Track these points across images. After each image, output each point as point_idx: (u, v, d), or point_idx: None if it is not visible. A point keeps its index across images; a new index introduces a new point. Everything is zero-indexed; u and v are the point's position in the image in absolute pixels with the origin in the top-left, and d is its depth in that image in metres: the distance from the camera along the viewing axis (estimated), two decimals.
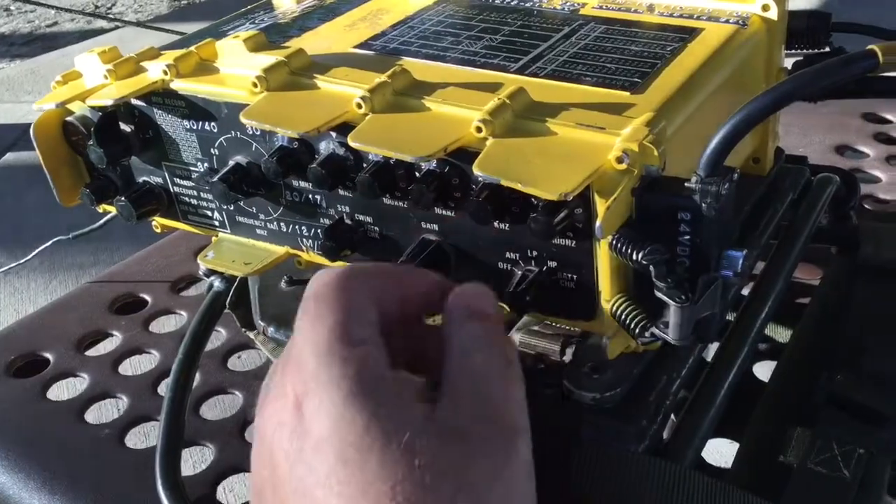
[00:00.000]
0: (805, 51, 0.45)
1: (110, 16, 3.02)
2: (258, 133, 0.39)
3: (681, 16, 0.42)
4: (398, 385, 0.27)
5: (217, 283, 0.52)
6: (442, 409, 0.27)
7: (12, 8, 3.03)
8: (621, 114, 0.34)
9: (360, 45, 0.42)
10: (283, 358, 0.30)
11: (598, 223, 0.30)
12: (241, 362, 0.56)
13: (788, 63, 0.45)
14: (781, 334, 0.50)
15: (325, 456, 0.25)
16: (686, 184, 0.30)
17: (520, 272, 0.35)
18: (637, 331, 0.31)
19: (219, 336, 0.57)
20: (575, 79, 0.37)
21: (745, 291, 0.46)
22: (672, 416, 0.39)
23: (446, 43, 0.41)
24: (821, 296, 0.48)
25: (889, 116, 0.75)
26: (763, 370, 0.48)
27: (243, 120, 0.36)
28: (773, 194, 0.45)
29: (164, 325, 0.60)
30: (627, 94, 0.36)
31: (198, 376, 0.54)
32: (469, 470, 0.25)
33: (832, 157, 0.71)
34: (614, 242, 0.30)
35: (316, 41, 0.43)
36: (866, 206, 0.66)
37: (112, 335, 0.58)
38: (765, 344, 0.51)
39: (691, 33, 0.40)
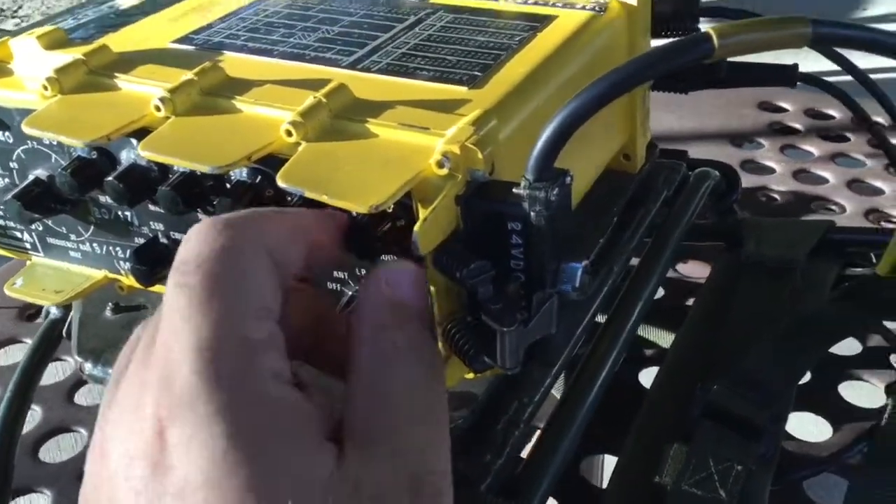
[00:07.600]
0: (675, 37, 0.42)
1: (16, 18, 2.88)
2: (56, 143, 0.34)
3: (536, 3, 0.39)
4: (300, 417, 0.22)
5: (53, 310, 0.47)
6: (353, 462, 0.22)
7: None
8: (453, 111, 0.30)
9: (180, 40, 0.37)
10: (146, 335, 0.23)
11: (413, 236, 0.26)
12: (90, 396, 0.51)
13: None
14: (666, 339, 0.47)
15: None
16: (514, 189, 0.26)
17: (349, 292, 0.31)
18: (468, 357, 0.27)
19: (66, 367, 0.51)
20: (411, 73, 0.33)
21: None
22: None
23: (277, 35, 0.37)
24: (703, 297, 0.45)
25: (784, 105, 0.74)
26: (650, 378, 0.45)
27: (24, 129, 0.31)
28: (645, 192, 0.42)
29: (10, 356, 0.54)
30: (465, 89, 0.32)
31: (39, 414, 0.49)
32: None
33: (728, 149, 0.69)
34: (437, 258, 0.27)
35: (133, 36, 0.38)
36: (763, 198, 0.64)
37: None
38: (651, 350, 0.48)
39: (543, 21, 0.37)
